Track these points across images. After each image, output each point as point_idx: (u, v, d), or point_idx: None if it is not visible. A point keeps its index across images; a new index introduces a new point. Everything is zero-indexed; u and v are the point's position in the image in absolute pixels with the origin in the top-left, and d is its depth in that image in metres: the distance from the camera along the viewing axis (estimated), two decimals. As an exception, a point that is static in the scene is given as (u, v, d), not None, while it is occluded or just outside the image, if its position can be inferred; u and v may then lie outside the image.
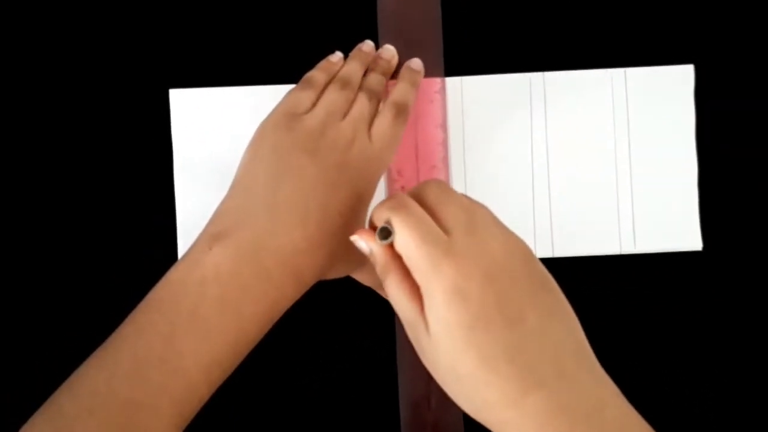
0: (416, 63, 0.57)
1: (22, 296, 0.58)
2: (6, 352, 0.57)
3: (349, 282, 0.54)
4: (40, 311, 0.57)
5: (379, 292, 0.54)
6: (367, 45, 0.57)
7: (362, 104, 0.51)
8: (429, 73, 0.58)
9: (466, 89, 0.58)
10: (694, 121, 0.59)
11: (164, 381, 0.41)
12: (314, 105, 0.50)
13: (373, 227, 0.44)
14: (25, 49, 0.58)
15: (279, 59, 0.58)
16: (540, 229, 0.58)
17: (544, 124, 0.59)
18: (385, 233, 0.42)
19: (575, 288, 0.56)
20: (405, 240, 0.41)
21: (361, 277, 0.53)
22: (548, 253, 0.58)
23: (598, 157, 0.59)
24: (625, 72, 0.59)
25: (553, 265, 0.56)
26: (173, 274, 0.44)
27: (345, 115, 0.50)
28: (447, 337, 0.39)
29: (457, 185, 0.59)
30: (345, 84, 0.53)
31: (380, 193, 0.58)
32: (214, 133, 0.57)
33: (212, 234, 0.45)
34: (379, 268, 0.42)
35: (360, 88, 0.54)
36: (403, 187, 0.58)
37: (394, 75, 0.57)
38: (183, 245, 0.57)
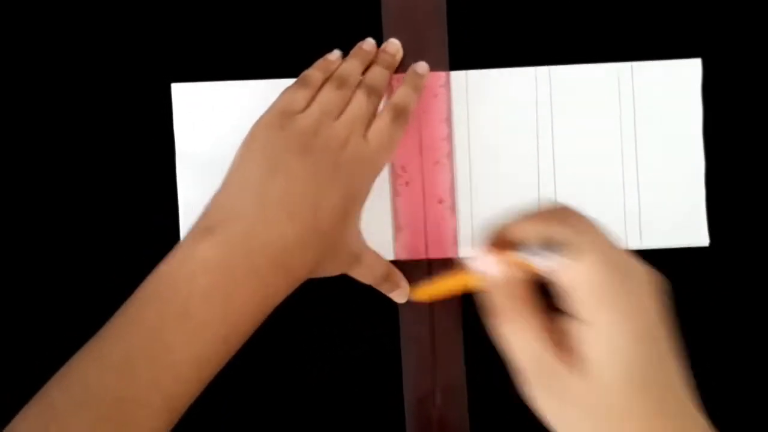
0: (422, 67, 0.56)
1: (22, 294, 0.57)
2: (6, 350, 0.56)
3: (351, 279, 0.54)
4: (42, 308, 0.57)
5: (380, 289, 0.54)
6: (368, 43, 0.57)
7: (359, 103, 0.51)
8: (433, 67, 0.58)
9: (471, 83, 0.58)
10: (701, 115, 0.59)
11: (154, 375, 0.41)
12: (309, 104, 0.50)
13: (497, 245, 0.41)
14: (28, 44, 0.57)
15: (282, 53, 0.58)
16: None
17: (550, 119, 0.58)
18: (547, 254, 0.38)
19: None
20: (592, 265, 0.37)
21: (361, 275, 0.53)
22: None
23: (604, 152, 0.59)
24: (631, 66, 0.59)
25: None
26: (163, 268, 0.43)
27: (340, 114, 0.50)
28: (622, 378, 0.37)
29: (462, 181, 0.58)
30: (342, 83, 0.52)
31: (383, 189, 0.58)
32: (216, 127, 0.57)
33: (203, 228, 0.45)
34: (500, 300, 0.39)
35: (359, 85, 0.53)
36: (407, 183, 0.57)
37: (401, 69, 0.57)
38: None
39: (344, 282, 0.54)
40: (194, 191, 0.56)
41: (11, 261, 0.57)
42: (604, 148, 0.59)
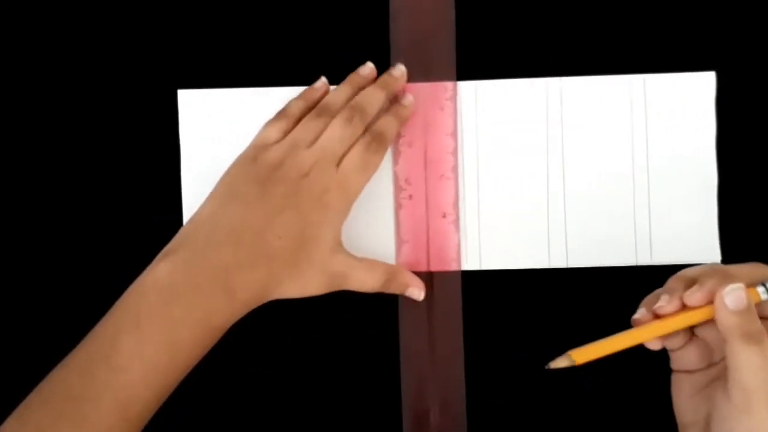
0: (407, 99, 0.56)
1: (27, 295, 0.57)
2: (9, 352, 0.57)
3: (350, 294, 0.54)
4: (46, 310, 0.57)
5: (390, 292, 0.54)
6: (366, 68, 0.57)
7: (334, 131, 0.53)
8: (441, 78, 0.57)
9: (481, 94, 0.57)
10: (714, 129, 0.57)
11: (108, 378, 0.46)
12: (286, 135, 0.53)
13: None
14: (34, 49, 0.58)
15: (288, 61, 0.57)
16: (554, 238, 0.57)
17: (561, 131, 0.57)
18: None
19: (589, 299, 0.55)
20: None
21: (358, 288, 0.54)
22: (562, 264, 0.57)
23: (615, 165, 0.58)
24: (644, 78, 0.58)
25: (568, 276, 0.55)
26: (130, 286, 0.49)
27: (313, 143, 0.53)
28: None
29: (470, 193, 0.57)
30: (321, 112, 0.54)
31: (386, 202, 0.57)
32: (222, 134, 0.57)
33: (162, 253, 0.50)
34: (751, 324, 0.44)
35: (342, 109, 0.54)
36: (411, 196, 0.57)
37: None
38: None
39: (342, 298, 0.54)
40: (199, 197, 0.55)
41: (17, 262, 0.58)
42: (615, 162, 0.57)
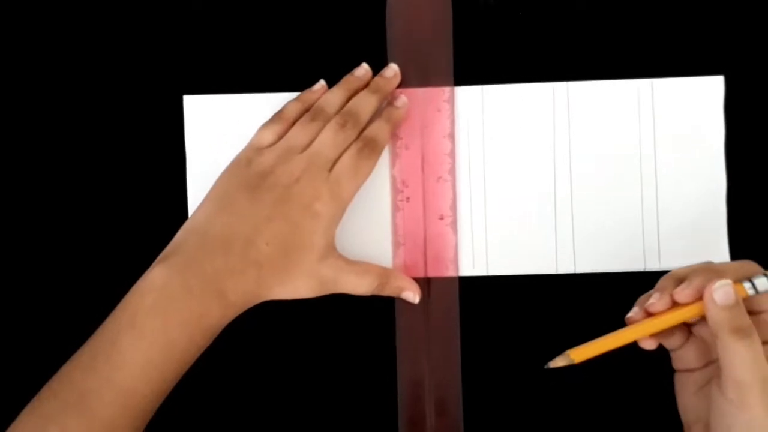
0: (400, 100, 0.57)
1: (40, 296, 0.58)
2: (21, 350, 0.58)
3: (347, 296, 0.54)
4: (58, 311, 0.58)
5: (384, 295, 0.54)
6: (361, 70, 0.57)
7: (326, 136, 0.53)
8: (438, 81, 0.57)
9: (487, 99, 0.57)
10: (723, 134, 0.56)
11: (109, 373, 0.48)
12: (280, 138, 0.54)
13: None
14: (41, 54, 0.59)
15: (289, 67, 0.58)
16: (562, 244, 0.57)
17: (568, 136, 0.57)
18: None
19: (598, 305, 0.55)
20: None
21: (350, 291, 0.54)
22: (570, 269, 0.56)
23: (623, 170, 0.57)
24: (652, 83, 0.57)
25: (575, 281, 0.55)
26: (131, 288, 0.51)
27: (307, 147, 0.53)
28: None
29: (476, 198, 0.57)
30: (316, 115, 0.54)
31: (383, 204, 0.57)
32: (227, 139, 0.57)
33: (158, 259, 0.52)
34: (740, 319, 0.44)
35: (336, 114, 0.55)
36: (408, 199, 0.57)
37: (407, 86, 0.57)
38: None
39: (339, 297, 0.54)
40: (204, 201, 0.56)
41: (28, 269, 0.59)
42: (623, 167, 0.57)
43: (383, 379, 0.57)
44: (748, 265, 0.47)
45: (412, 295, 0.55)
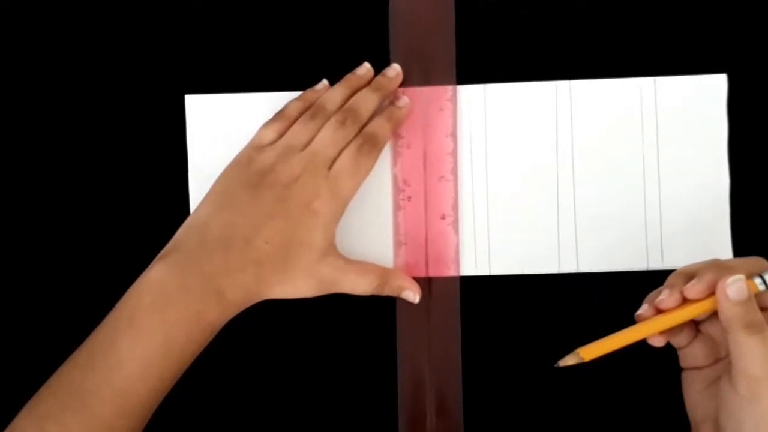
0: (402, 100, 0.57)
1: (34, 299, 0.59)
2: (20, 348, 0.58)
3: (347, 296, 0.54)
4: (53, 314, 0.58)
5: (381, 293, 0.54)
6: (363, 69, 0.57)
7: (326, 134, 0.53)
8: (440, 80, 0.57)
9: (490, 97, 0.57)
10: (726, 133, 0.56)
11: (107, 371, 0.48)
12: (282, 136, 0.54)
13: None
14: (41, 54, 0.59)
15: (291, 66, 0.58)
16: (565, 243, 0.56)
17: (570, 135, 0.57)
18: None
19: (601, 304, 0.55)
20: None
21: (349, 291, 0.54)
22: (573, 269, 0.56)
23: (626, 169, 0.57)
24: (655, 81, 0.57)
25: (578, 280, 0.55)
26: (130, 287, 0.51)
27: (307, 145, 0.53)
28: None
29: (479, 197, 0.57)
30: (316, 113, 0.54)
31: (385, 203, 0.57)
32: (229, 139, 0.57)
33: (157, 257, 0.52)
34: (752, 314, 0.45)
35: (336, 112, 0.55)
36: (409, 198, 0.57)
37: (409, 85, 0.57)
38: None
39: (340, 296, 0.54)
40: (206, 200, 0.56)
41: (25, 270, 0.59)
42: (626, 166, 0.57)
43: (383, 379, 0.56)
44: (758, 261, 0.47)
45: (413, 294, 0.55)
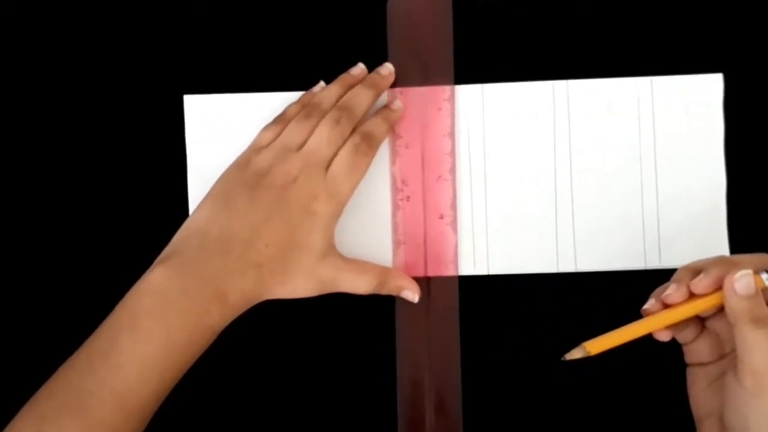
0: (396, 104, 0.57)
1: (33, 300, 0.58)
2: (20, 349, 0.58)
3: (346, 296, 0.54)
4: (53, 315, 0.58)
5: (380, 292, 0.54)
6: (357, 68, 0.57)
7: (322, 133, 0.53)
8: (438, 80, 0.57)
9: (488, 97, 0.57)
10: (722, 132, 0.56)
11: (106, 373, 0.48)
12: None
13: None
14: (41, 54, 0.59)
15: (289, 66, 0.58)
16: (562, 242, 0.57)
17: (568, 134, 0.57)
18: None
19: (598, 303, 0.55)
20: None
21: (348, 290, 0.54)
22: (571, 268, 0.56)
23: (623, 168, 0.57)
24: (651, 81, 0.57)
25: (576, 279, 0.55)
26: (131, 289, 0.51)
27: (302, 145, 0.53)
28: None
29: (477, 196, 0.57)
30: (311, 112, 0.54)
31: (383, 203, 0.57)
32: (228, 139, 0.57)
33: (157, 260, 0.52)
34: (760, 308, 0.45)
35: (330, 110, 0.55)
36: (408, 198, 0.57)
37: (406, 85, 0.58)
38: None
39: (339, 296, 0.54)
40: (205, 201, 0.56)
41: (24, 271, 0.59)
42: (623, 165, 0.57)
43: (383, 379, 0.57)
44: (764, 257, 0.47)
45: (412, 294, 0.55)
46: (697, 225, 0.56)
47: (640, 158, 0.56)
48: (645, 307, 0.48)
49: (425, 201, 0.56)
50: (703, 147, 0.56)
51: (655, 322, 0.48)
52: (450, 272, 0.56)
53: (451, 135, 0.57)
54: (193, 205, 0.57)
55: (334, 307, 0.56)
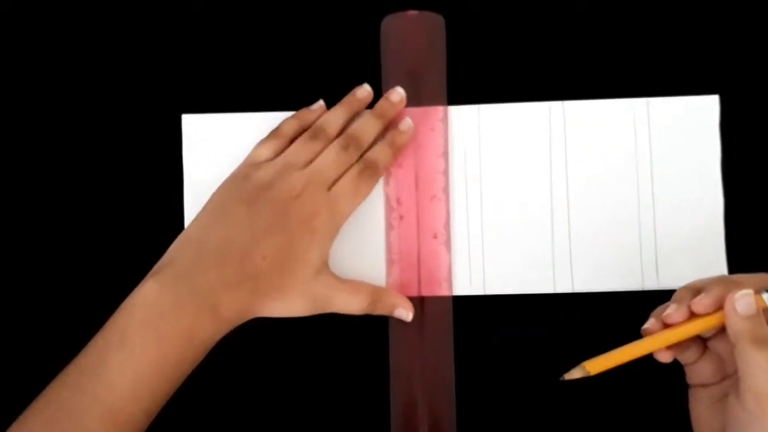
0: (405, 124, 0.57)
1: (29, 314, 0.58)
2: (12, 360, 0.58)
3: (340, 315, 0.54)
4: (47, 330, 0.58)
5: (373, 312, 0.54)
6: (364, 91, 0.57)
7: (328, 156, 0.54)
8: (432, 101, 0.57)
9: (483, 117, 0.57)
10: (719, 153, 0.56)
11: (97, 391, 0.47)
12: (278, 154, 0.54)
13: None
14: (39, 74, 0.60)
15: (288, 86, 0.59)
16: (559, 262, 0.56)
17: (564, 155, 0.57)
18: None
19: (595, 324, 0.54)
20: None
21: (342, 310, 0.54)
22: (568, 288, 0.56)
23: (620, 189, 0.57)
24: (647, 102, 0.57)
25: (573, 300, 0.55)
26: (122, 303, 0.50)
27: (308, 164, 0.53)
28: None
29: (473, 216, 0.57)
30: (316, 134, 0.55)
31: (377, 222, 0.57)
32: (225, 158, 0.57)
33: (151, 272, 0.51)
34: (761, 328, 0.45)
35: (338, 136, 0.55)
36: (401, 217, 0.57)
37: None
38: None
39: (333, 315, 0.54)
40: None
41: (21, 284, 0.59)
42: (620, 186, 0.57)
43: (376, 399, 0.56)
44: (765, 277, 0.47)
45: (405, 312, 0.54)
46: (694, 246, 0.55)
47: (636, 179, 0.56)
48: (645, 326, 0.48)
49: (419, 220, 0.56)
50: (699, 168, 0.56)
51: (655, 341, 0.47)
52: (444, 292, 0.56)
53: (445, 155, 0.57)
54: (189, 220, 0.57)
55: (328, 326, 0.56)
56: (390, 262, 0.56)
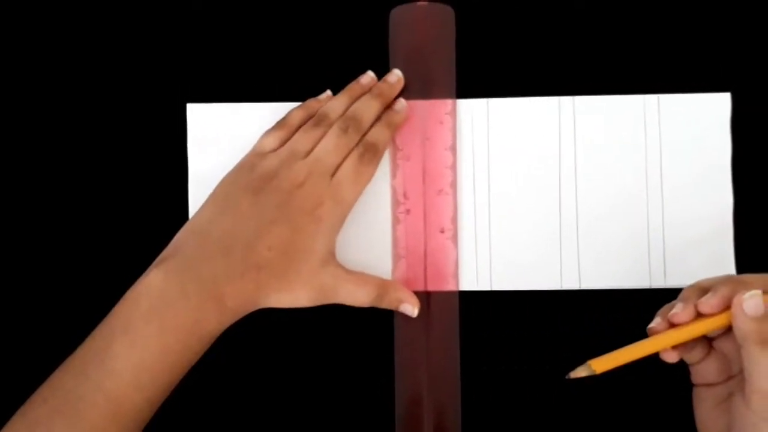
0: (399, 104, 0.57)
1: (33, 304, 0.58)
2: (18, 352, 0.58)
3: (345, 308, 0.54)
4: (52, 320, 0.58)
5: (379, 305, 0.54)
6: (366, 77, 0.57)
7: (329, 141, 0.53)
8: (440, 94, 0.57)
9: (493, 112, 0.57)
10: (730, 150, 0.56)
11: (100, 379, 0.47)
12: (283, 144, 0.54)
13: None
14: (42, 63, 0.60)
15: (295, 77, 0.58)
16: (567, 259, 0.56)
17: (573, 150, 0.56)
18: None
19: (602, 321, 0.54)
20: None
21: (348, 302, 0.53)
22: (575, 285, 0.56)
23: (629, 186, 0.56)
24: (658, 98, 0.56)
25: (581, 297, 0.54)
26: (126, 292, 0.50)
27: (309, 153, 0.53)
28: None
29: (481, 211, 0.57)
30: (319, 121, 0.55)
31: (383, 216, 0.57)
32: (229, 148, 0.57)
33: (156, 261, 0.51)
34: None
35: (338, 120, 0.55)
36: (408, 211, 0.56)
37: (409, 96, 0.57)
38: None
39: (338, 308, 0.54)
40: (205, 207, 0.56)
41: (24, 274, 0.59)
42: (629, 183, 0.56)
43: (381, 395, 0.56)
44: None
45: (411, 307, 0.54)
46: (703, 244, 0.55)
47: (646, 176, 0.56)
48: (651, 325, 0.47)
49: (426, 215, 0.56)
50: (710, 166, 0.56)
51: (661, 341, 0.47)
52: (450, 287, 0.56)
53: (453, 149, 0.56)
54: (193, 210, 0.57)
55: (333, 321, 0.56)
56: (396, 256, 0.56)
